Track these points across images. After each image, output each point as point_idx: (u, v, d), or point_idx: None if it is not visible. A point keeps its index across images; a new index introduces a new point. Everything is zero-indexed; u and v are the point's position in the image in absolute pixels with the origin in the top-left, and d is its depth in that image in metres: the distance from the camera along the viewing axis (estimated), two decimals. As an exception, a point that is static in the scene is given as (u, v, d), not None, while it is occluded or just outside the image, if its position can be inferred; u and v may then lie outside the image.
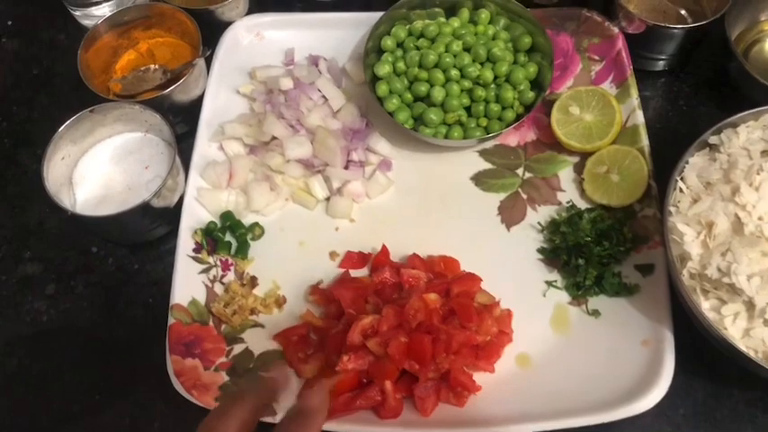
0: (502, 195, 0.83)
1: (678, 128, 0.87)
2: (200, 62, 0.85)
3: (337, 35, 0.91)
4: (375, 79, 0.85)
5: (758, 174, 0.69)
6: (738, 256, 0.65)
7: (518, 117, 0.83)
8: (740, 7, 0.85)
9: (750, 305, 0.65)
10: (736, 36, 0.88)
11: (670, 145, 0.83)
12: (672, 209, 0.71)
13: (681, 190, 0.72)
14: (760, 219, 0.67)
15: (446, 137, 0.83)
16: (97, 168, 0.82)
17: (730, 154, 0.71)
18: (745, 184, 0.68)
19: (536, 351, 0.73)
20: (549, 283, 0.77)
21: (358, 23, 0.91)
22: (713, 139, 0.74)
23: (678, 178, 0.72)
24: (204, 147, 0.84)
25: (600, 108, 0.81)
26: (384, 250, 0.78)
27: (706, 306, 0.67)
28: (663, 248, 0.73)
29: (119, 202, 0.78)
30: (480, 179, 0.84)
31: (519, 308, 0.75)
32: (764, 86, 0.79)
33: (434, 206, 0.82)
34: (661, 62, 0.89)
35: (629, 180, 0.78)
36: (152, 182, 0.80)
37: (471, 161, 0.85)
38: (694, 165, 0.73)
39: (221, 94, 0.87)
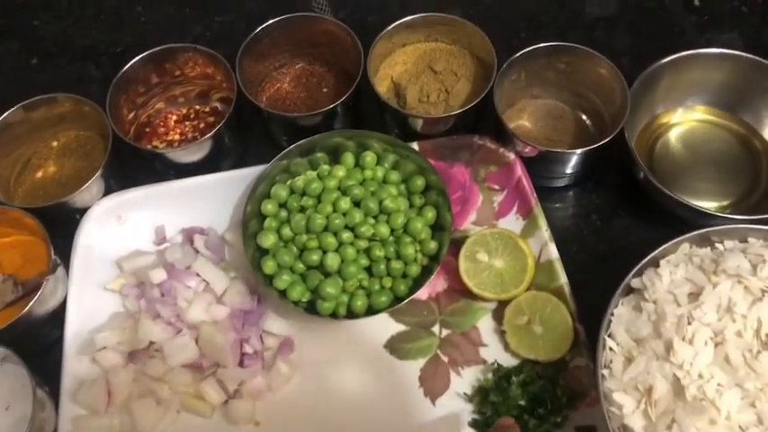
0: (421, 361, 0.74)
1: (595, 247, 0.81)
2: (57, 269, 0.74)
3: (212, 200, 0.81)
4: (259, 250, 0.76)
5: (689, 324, 0.62)
6: (685, 428, 0.59)
7: (425, 269, 0.75)
8: (637, 105, 0.80)
9: (708, 482, 0.58)
10: (637, 135, 0.83)
11: (591, 272, 0.78)
12: (605, 372, 0.64)
13: (611, 348, 0.65)
14: (700, 377, 0.61)
15: (349, 307, 0.74)
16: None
17: (656, 301, 0.65)
18: (678, 339, 0.62)
19: None
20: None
21: (234, 183, 0.81)
22: (636, 283, 0.67)
23: (606, 336, 0.65)
24: (74, 364, 0.73)
25: (509, 252, 0.74)
26: (297, 464, 0.68)
27: (662, 484, 0.60)
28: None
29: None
30: (395, 346, 0.75)
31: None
32: (672, 197, 0.74)
33: (348, 388, 0.73)
34: (565, 179, 0.82)
35: (554, 331, 0.71)
36: (15, 426, 0.68)
37: (382, 324, 0.76)
38: (621, 317, 0.66)
39: (87, 296, 0.76)
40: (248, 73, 0.85)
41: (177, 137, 0.88)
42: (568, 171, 0.80)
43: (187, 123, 0.89)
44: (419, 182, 0.78)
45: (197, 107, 0.90)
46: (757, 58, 0.80)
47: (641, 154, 0.83)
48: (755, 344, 0.61)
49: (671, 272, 0.66)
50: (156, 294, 0.75)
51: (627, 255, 0.78)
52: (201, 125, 0.89)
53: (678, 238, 0.68)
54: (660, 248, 0.68)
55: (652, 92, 0.82)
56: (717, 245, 0.69)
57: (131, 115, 0.86)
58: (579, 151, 0.76)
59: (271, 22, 0.83)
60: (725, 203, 0.81)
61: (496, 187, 0.80)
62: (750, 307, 0.62)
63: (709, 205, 0.80)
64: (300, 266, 0.75)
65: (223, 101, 0.89)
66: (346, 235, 0.74)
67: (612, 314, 0.66)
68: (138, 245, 0.80)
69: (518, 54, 0.80)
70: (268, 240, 0.75)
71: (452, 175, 0.81)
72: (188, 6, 1.00)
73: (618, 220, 0.82)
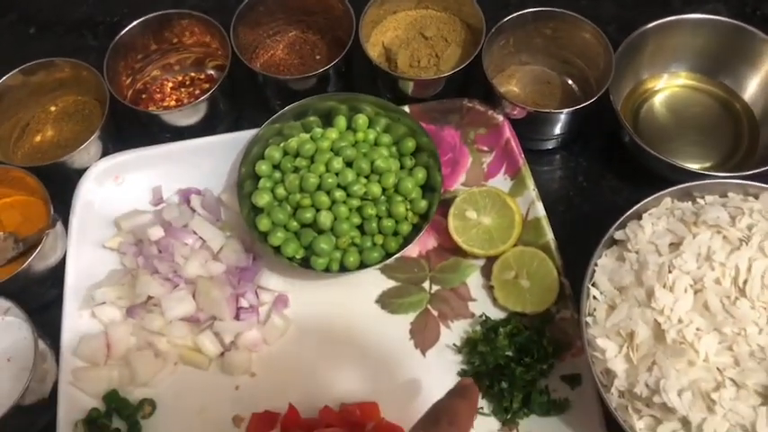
0: (411, 316, 0.76)
1: (581, 207, 0.83)
2: (57, 224, 0.76)
3: (208, 162, 0.83)
4: (254, 209, 0.78)
5: (670, 272, 0.65)
6: (665, 369, 0.61)
7: (415, 227, 0.77)
8: (622, 71, 0.82)
9: (686, 422, 0.61)
10: (623, 100, 0.86)
11: (577, 230, 0.80)
12: (588, 319, 0.66)
13: (595, 297, 0.67)
14: (680, 321, 0.63)
15: (342, 263, 0.76)
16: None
17: (638, 251, 0.67)
18: (659, 286, 0.64)
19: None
20: (476, 411, 0.70)
21: (229, 146, 0.83)
22: (619, 235, 0.69)
23: (590, 285, 0.67)
24: (74, 319, 0.74)
25: (497, 210, 0.76)
26: (291, 411, 0.70)
27: (641, 425, 0.62)
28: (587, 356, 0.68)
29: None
30: (386, 300, 0.77)
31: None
32: (656, 157, 0.76)
33: (341, 341, 0.75)
34: (553, 141, 0.85)
35: (540, 285, 0.73)
36: (17, 377, 0.70)
37: (374, 281, 0.78)
38: (604, 267, 0.68)
39: (85, 254, 0.78)
40: (243, 40, 0.86)
41: (173, 103, 0.90)
42: (556, 132, 0.82)
43: (183, 90, 0.91)
44: (410, 143, 0.80)
45: (192, 74, 0.92)
46: (737, 22, 0.82)
47: (627, 118, 0.86)
48: (733, 291, 0.63)
49: (653, 224, 0.68)
50: (154, 251, 0.76)
51: (612, 213, 0.80)
52: (197, 92, 0.90)
53: (660, 193, 0.71)
54: (643, 202, 0.70)
55: (637, 57, 0.84)
56: (698, 199, 0.71)
57: (129, 80, 0.88)
58: (566, 111, 0.78)
59: (265, -13, 0.85)
60: (708, 165, 0.83)
61: (485, 149, 0.82)
62: (728, 256, 0.64)
63: (692, 167, 0.83)
64: (294, 224, 0.77)
65: (218, 68, 0.91)
66: (339, 194, 0.76)
67: (596, 264, 0.68)
68: (135, 205, 0.81)
69: (505, 19, 0.82)
70: (262, 199, 0.77)
71: (443, 138, 0.83)
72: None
73: (604, 181, 0.84)
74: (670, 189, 0.71)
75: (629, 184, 0.83)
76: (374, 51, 0.87)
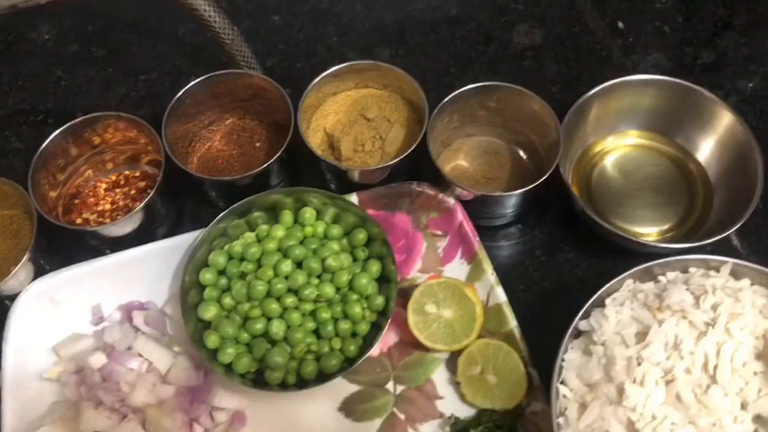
0: (377, 422, 0.72)
1: (542, 284, 0.80)
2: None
3: (150, 272, 0.78)
4: (200, 322, 0.73)
5: (639, 365, 0.62)
6: (644, 471, 0.59)
7: (374, 325, 0.74)
8: (570, 136, 0.81)
9: None
10: (574, 164, 0.84)
11: (540, 310, 0.78)
12: (560, 420, 0.64)
13: (564, 395, 0.64)
14: (654, 418, 0.61)
15: (299, 374, 0.72)
16: None
17: (605, 343, 0.65)
18: (629, 382, 0.62)
19: None
20: None
21: (171, 252, 0.78)
22: (584, 326, 0.67)
23: (558, 384, 0.65)
24: (15, 466, 0.69)
25: (457, 301, 0.73)
26: None
27: None
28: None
29: None
30: (350, 407, 0.73)
31: None
32: (609, 230, 0.74)
33: (306, 457, 0.71)
34: (507, 217, 0.82)
35: (508, 380, 0.70)
36: None
37: (335, 386, 0.74)
38: (572, 362, 0.65)
39: (24, 388, 0.72)
40: (176, 135, 0.82)
41: (108, 206, 0.85)
42: (508, 211, 0.80)
43: (117, 191, 0.86)
44: (361, 235, 0.76)
45: (126, 172, 0.87)
46: (680, 80, 0.81)
47: (580, 184, 0.84)
48: (704, 379, 0.61)
49: (617, 311, 0.66)
50: (97, 379, 0.72)
51: (575, 288, 0.79)
52: (132, 191, 0.86)
53: (621, 276, 0.69)
54: (605, 287, 0.68)
55: (584, 122, 0.83)
56: (659, 277, 0.69)
57: (55, 192, 0.83)
58: (516, 193, 0.76)
59: (192, 83, 0.81)
60: (665, 227, 0.82)
61: (439, 233, 0.80)
62: (696, 342, 0.62)
63: (649, 231, 0.81)
64: (245, 336, 0.73)
65: (152, 163, 0.87)
66: (290, 299, 0.72)
67: (563, 360, 0.66)
68: (74, 327, 0.76)
69: (447, 99, 0.79)
70: (209, 312, 0.73)
71: (395, 224, 0.80)
72: (110, 67, 0.97)
73: (562, 254, 0.82)
74: (631, 271, 0.69)
75: (588, 255, 0.81)
76: (316, 138, 0.84)
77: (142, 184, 0.86)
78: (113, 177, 0.87)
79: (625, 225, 0.81)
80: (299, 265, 0.74)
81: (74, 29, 1.00)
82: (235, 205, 0.77)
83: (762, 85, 0.90)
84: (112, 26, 1.00)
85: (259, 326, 0.72)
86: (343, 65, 0.82)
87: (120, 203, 0.85)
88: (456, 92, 0.79)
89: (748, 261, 0.79)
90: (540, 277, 0.80)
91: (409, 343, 0.75)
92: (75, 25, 1.01)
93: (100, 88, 0.95)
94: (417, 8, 0.99)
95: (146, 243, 0.79)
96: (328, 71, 0.82)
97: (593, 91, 0.81)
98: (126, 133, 0.83)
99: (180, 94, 0.80)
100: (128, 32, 1.00)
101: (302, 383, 0.72)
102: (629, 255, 0.76)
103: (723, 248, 0.79)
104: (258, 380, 0.72)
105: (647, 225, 0.81)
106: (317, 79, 0.81)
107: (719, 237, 0.74)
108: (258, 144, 0.87)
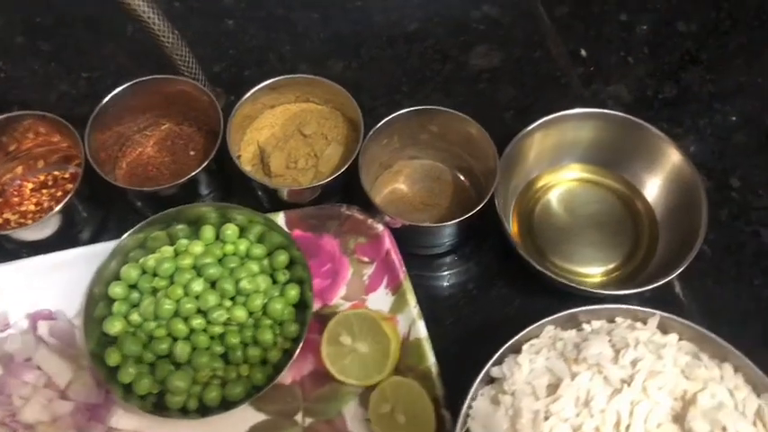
0: (282, 456, 0.69)
1: (471, 319, 0.76)
2: None
3: (64, 280, 0.74)
4: (105, 337, 0.70)
5: (546, 419, 0.59)
6: None
7: (287, 353, 0.70)
8: (512, 168, 0.77)
9: None
10: (516, 197, 0.80)
11: (464, 347, 0.74)
12: (462, 472, 0.60)
13: (468, 446, 0.61)
14: (558, 477, 0.57)
15: (200, 400, 0.68)
16: None
17: (514, 393, 0.61)
18: (534, 438, 0.58)
19: None
20: None
21: (88, 260, 0.74)
22: (496, 372, 0.63)
23: (462, 433, 0.61)
24: None
25: (373, 335, 0.70)
26: None
27: None
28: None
29: None
30: (254, 437, 0.70)
31: None
32: (543, 273, 0.71)
33: (202, 487, 0.68)
34: (440, 248, 0.79)
35: (417, 421, 0.67)
36: None
37: (241, 413, 0.69)
38: (478, 411, 0.62)
39: None
40: (103, 140, 0.79)
41: (32, 207, 0.82)
42: (441, 241, 0.77)
43: (44, 191, 0.83)
44: (282, 257, 0.73)
45: (56, 173, 0.84)
46: (631, 117, 0.77)
47: (522, 218, 0.80)
48: (615, 439, 0.58)
49: (531, 360, 0.62)
50: (-10, 391, 0.68)
51: (503, 327, 0.74)
52: (59, 194, 0.82)
53: (543, 321, 0.65)
54: (523, 332, 0.64)
55: (527, 153, 0.79)
56: (584, 325, 0.66)
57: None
58: (446, 224, 0.72)
59: (118, 90, 0.78)
60: (608, 267, 0.78)
61: (366, 260, 0.76)
62: (609, 400, 0.59)
63: (590, 271, 0.78)
64: (149, 356, 0.69)
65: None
66: (197, 321, 0.69)
67: (471, 407, 0.62)
68: (-23, 334, 0.73)
69: (385, 120, 0.75)
70: (114, 327, 0.70)
71: (321, 246, 0.77)
72: (54, 61, 0.94)
73: (495, 289, 0.78)
74: (554, 316, 0.65)
75: (521, 292, 0.77)
76: (248, 151, 0.81)
77: (70, 186, 0.83)
78: (41, 177, 0.84)
79: (566, 264, 0.78)
80: (213, 284, 0.71)
81: (23, 21, 0.98)
82: (155, 216, 0.73)
83: (723, 124, 0.86)
84: (63, 20, 0.97)
85: (163, 346, 0.69)
86: (281, 78, 0.79)
87: (45, 205, 0.82)
88: (392, 115, 0.76)
89: (689, 308, 0.76)
90: (469, 312, 0.77)
91: (323, 374, 0.72)
92: (25, 17, 0.98)
93: (41, 83, 0.92)
94: (376, 21, 0.96)
95: (66, 248, 0.76)
96: (264, 83, 0.79)
97: (537, 122, 0.77)
98: (48, 138, 0.80)
99: (105, 100, 0.77)
100: (77, 28, 0.97)
101: (204, 410, 0.68)
102: (565, 295, 0.72)
103: (664, 293, 0.75)
104: (159, 403, 0.69)
105: (589, 264, 0.78)
106: (251, 91, 0.78)
107: (659, 283, 0.70)
108: (193, 153, 0.84)
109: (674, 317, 0.64)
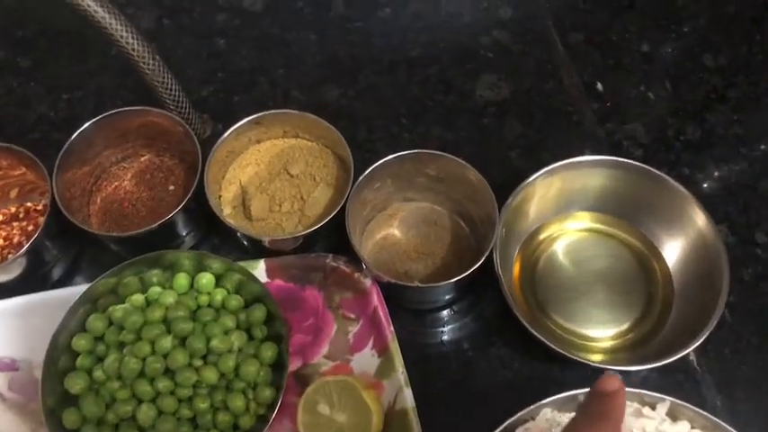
0: None
1: (464, 384, 0.70)
2: None
3: (28, 327, 0.70)
4: (65, 396, 0.65)
5: None
6: None
7: (261, 418, 0.65)
8: (514, 220, 0.71)
9: None
10: (518, 251, 0.74)
11: (457, 418, 0.68)
12: None
13: None
14: None
15: (166, 469, 0.63)
16: None
17: (504, 488, 0.55)
18: None
19: None
20: None
21: (55, 306, 0.69)
22: (484, 461, 0.57)
23: None
24: None
25: (353, 406, 0.64)
26: None
27: None
28: None
29: None
30: None
31: None
32: (540, 341, 0.64)
33: None
34: (436, 302, 0.72)
35: (398, 504, 0.61)
36: None
37: (210, 481, 0.65)
38: (462, 505, 0.56)
39: None
40: (73, 176, 0.74)
41: (1, 242, 0.77)
42: (435, 299, 0.71)
43: (15, 224, 0.78)
44: (259, 312, 0.67)
45: (29, 204, 0.79)
46: (651, 168, 0.70)
47: (525, 272, 0.74)
48: None
49: (523, 451, 0.56)
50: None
51: (501, 394, 0.70)
52: (30, 227, 0.77)
53: (539, 403, 0.59)
54: (516, 416, 0.58)
55: (530, 202, 0.72)
56: (585, 407, 0.59)
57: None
58: (438, 285, 0.66)
59: (86, 125, 0.72)
60: (615, 332, 0.71)
61: (352, 316, 0.70)
62: (608, 503, 0.52)
63: (595, 334, 0.71)
64: (112, 417, 0.64)
65: (57, 197, 0.78)
66: (164, 383, 0.63)
67: (455, 499, 0.56)
68: (-66, 384, 0.68)
69: (375, 165, 0.69)
70: (76, 385, 0.64)
71: (304, 299, 0.71)
72: (34, 80, 0.89)
73: (493, 349, 0.72)
74: (551, 398, 0.59)
75: (521, 354, 0.71)
76: (229, 191, 0.75)
77: (42, 219, 0.77)
78: (13, 209, 0.79)
79: (569, 324, 0.71)
80: (183, 341, 0.66)
81: (3, 33, 0.92)
82: (128, 261, 0.68)
83: (750, 170, 0.79)
84: (44, 34, 0.92)
85: (127, 408, 0.63)
86: (267, 113, 0.73)
87: (15, 240, 0.77)
88: (385, 159, 0.69)
89: (704, 380, 0.70)
90: (463, 375, 0.71)
91: (302, 440, 0.66)
92: (5, 29, 0.92)
93: (18, 104, 0.87)
94: (376, 45, 0.89)
95: (33, 291, 0.71)
96: (249, 118, 0.73)
97: (542, 171, 0.70)
98: (8, 171, 0.75)
99: (73, 137, 0.72)
100: (60, 43, 0.91)
101: (168, 483, 0.63)
102: (563, 362, 0.66)
103: (677, 363, 0.69)
104: (120, 471, 0.64)
105: (595, 326, 0.71)
106: (234, 126, 0.72)
107: (672, 359, 0.64)
108: (172, 188, 0.78)
109: (686, 404, 0.58)
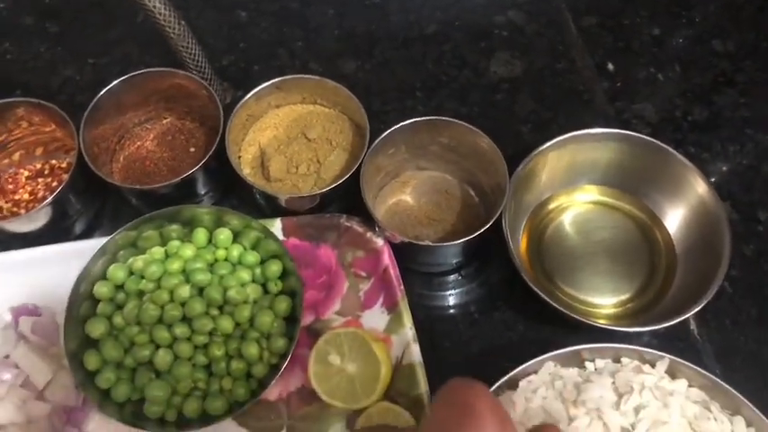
0: (261, 475, 0.66)
1: (470, 345, 0.72)
2: None
3: (51, 276, 0.72)
4: (86, 340, 0.67)
5: (537, 465, 0.55)
6: None
7: (274, 368, 0.67)
8: (523, 189, 0.73)
9: None
10: (526, 221, 0.76)
11: (461, 375, 0.70)
12: None
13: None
14: None
15: (180, 412, 0.66)
16: None
17: (506, 433, 0.57)
18: (523, 484, 0.54)
19: None
20: None
21: (77, 256, 0.71)
22: (488, 409, 0.59)
23: (447, 472, 0.57)
24: None
25: (363, 356, 0.66)
26: None
27: None
28: None
29: None
30: (234, 453, 0.67)
31: None
32: (547, 301, 0.66)
33: (176, 502, 0.65)
34: (442, 266, 0.75)
35: (403, 452, 0.63)
36: None
37: (222, 429, 0.67)
38: (466, 449, 0.58)
39: None
40: (98, 133, 0.77)
41: (27, 196, 0.80)
42: (444, 261, 0.73)
43: (40, 180, 0.81)
44: (275, 267, 0.70)
45: (53, 161, 0.82)
46: (657, 141, 0.72)
47: (532, 241, 0.76)
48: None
49: (527, 398, 0.58)
50: (-34, 388, 0.66)
51: (505, 355, 0.71)
52: (54, 183, 0.80)
53: (543, 356, 0.61)
54: (521, 367, 0.60)
55: (540, 173, 0.75)
56: (587, 363, 0.62)
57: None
58: (449, 244, 0.68)
59: (114, 83, 0.75)
60: (619, 299, 0.73)
61: (363, 274, 0.72)
62: (607, 449, 0.55)
63: (600, 301, 0.73)
64: (130, 361, 0.67)
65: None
66: (180, 330, 0.66)
67: (458, 445, 0.58)
68: (-37, 323, 0.71)
69: (389, 130, 0.71)
70: (97, 329, 0.67)
71: (318, 257, 0.73)
72: (61, 45, 0.91)
73: (498, 313, 0.74)
74: (555, 353, 0.61)
75: (525, 317, 0.73)
76: (249, 153, 0.77)
77: (65, 176, 0.80)
78: (38, 165, 0.82)
79: (575, 291, 0.73)
80: (200, 291, 0.68)
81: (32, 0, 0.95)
82: (148, 215, 0.70)
83: (755, 153, 0.81)
84: (72, 1, 0.95)
85: (145, 353, 0.66)
86: (288, 77, 0.76)
87: (40, 195, 0.80)
88: (400, 124, 0.72)
89: (704, 349, 0.71)
90: (469, 336, 0.73)
91: (311, 391, 0.68)
92: (34, -5, 0.95)
93: (46, 67, 0.90)
94: (393, 21, 0.92)
95: (57, 242, 0.74)
96: (270, 82, 0.75)
97: (552, 141, 0.73)
98: (41, 127, 0.77)
99: (100, 94, 0.75)
100: (86, 10, 0.94)
101: (183, 422, 0.65)
102: (572, 325, 0.68)
103: (677, 331, 0.71)
104: (137, 412, 0.66)
105: (599, 294, 0.73)
106: (255, 90, 0.75)
107: (673, 322, 0.66)
108: (193, 149, 0.81)
109: (685, 362, 0.60)
